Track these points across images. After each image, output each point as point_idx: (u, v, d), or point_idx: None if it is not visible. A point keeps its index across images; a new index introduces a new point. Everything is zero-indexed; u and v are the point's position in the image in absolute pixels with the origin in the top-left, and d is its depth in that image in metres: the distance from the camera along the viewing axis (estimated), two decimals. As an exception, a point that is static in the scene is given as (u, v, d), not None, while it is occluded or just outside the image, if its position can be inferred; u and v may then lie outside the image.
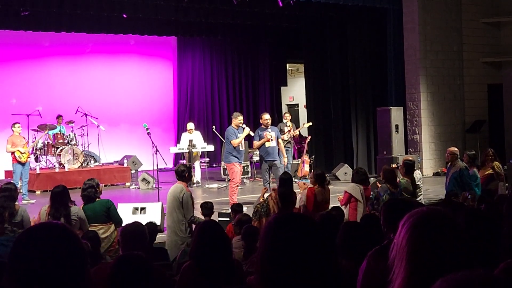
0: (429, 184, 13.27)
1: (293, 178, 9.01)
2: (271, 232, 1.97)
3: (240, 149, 11.35)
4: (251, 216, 7.66)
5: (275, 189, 8.11)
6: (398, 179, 8.72)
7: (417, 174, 9.55)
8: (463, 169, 9.50)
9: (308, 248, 1.92)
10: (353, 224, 4.91)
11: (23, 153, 12.92)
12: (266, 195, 8.44)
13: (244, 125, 11.48)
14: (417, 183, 9.29)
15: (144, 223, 6.56)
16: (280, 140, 12.11)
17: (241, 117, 11.52)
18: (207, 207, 7.86)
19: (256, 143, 11.77)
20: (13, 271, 1.78)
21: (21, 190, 12.42)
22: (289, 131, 14.73)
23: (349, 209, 8.18)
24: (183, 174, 7.81)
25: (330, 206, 8.37)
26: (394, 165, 11.19)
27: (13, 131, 13.18)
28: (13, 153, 12.92)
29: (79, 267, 1.82)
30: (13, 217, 6.80)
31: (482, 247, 2.88)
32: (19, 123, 13.51)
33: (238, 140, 11.22)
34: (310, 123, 16.03)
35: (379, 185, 8.54)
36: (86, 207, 7.22)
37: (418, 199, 9.18)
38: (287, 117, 15.35)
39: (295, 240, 1.92)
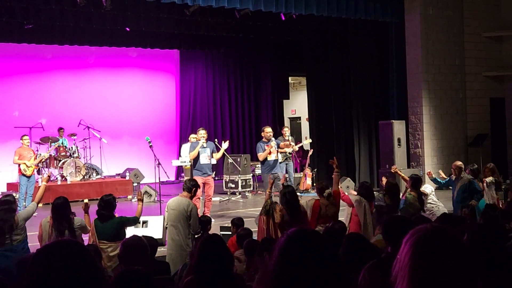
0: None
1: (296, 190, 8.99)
2: (284, 250, 1.98)
3: (201, 162, 11.46)
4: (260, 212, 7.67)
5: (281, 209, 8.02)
6: (404, 194, 8.65)
7: (427, 188, 9.63)
8: (472, 181, 9.53)
9: (320, 265, 1.93)
10: (356, 236, 4.90)
11: (29, 166, 12.91)
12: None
13: (203, 140, 11.56)
14: (428, 197, 9.42)
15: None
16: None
17: (202, 131, 11.69)
18: (203, 221, 7.89)
19: (262, 154, 11.96)
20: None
21: (24, 203, 12.45)
22: (288, 146, 14.58)
23: (351, 223, 8.11)
24: (192, 188, 7.89)
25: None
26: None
27: (21, 143, 13.21)
28: (19, 165, 12.95)
29: (91, 282, 1.84)
30: (12, 230, 6.79)
31: (484, 263, 2.87)
32: (27, 135, 13.58)
33: (193, 153, 11.44)
34: (310, 140, 15.96)
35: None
36: (97, 224, 7.14)
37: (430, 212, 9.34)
38: (286, 131, 14.70)
39: (307, 257, 1.93)
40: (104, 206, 7.16)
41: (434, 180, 10.42)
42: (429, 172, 10.53)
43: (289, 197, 7.60)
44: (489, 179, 9.93)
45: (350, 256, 4.23)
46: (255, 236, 7.35)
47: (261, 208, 7.75)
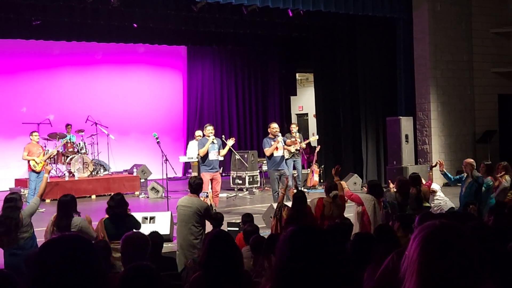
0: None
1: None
2: (287, 246, 1.98)
3: (210, 158, 11.56)
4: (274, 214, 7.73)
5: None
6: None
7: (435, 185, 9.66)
8: (479, 178, 9.46)
9: (324, 260, 1.93)
10: (365, 235, 4.91)
11: (38, 162, 12.98)
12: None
13: (212, 136, 11.64)
14: (436, 194, 9.48)
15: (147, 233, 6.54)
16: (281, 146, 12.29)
17: (209, 127, 11.78)
18: (215, 219, 7.87)
19: (268, 149, 12.02)
20: (35, 283, 1.82)
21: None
22: (295, 143, 14.45)
23: (362, 221, 8.10)
24: (198, 187, 7.83)
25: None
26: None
27: (31, 139, 13.27)
28: (28, 161, 13.01)
29: (94, 278, 1.85)
30: (18, 227, 6.77)
31: (491, 260, 2.86)
32: (36, 131, 13.62)
33: (203, 149, 11.49)
34: (317, 137, 15.90)
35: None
36: (108, 224, 6.90)
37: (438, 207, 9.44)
38: (293, 128, 14.40)
39: (311, 253, 1.93)
40: (116, 206, 6.94)
41: (445, 175, 9.99)
42: (440, 164, 9.93)
43: (298, 201, 7.70)
44: (508, 178, 9.77)
45: (358, 254, 4.24)
46: (261, 232, 7.36)
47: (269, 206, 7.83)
